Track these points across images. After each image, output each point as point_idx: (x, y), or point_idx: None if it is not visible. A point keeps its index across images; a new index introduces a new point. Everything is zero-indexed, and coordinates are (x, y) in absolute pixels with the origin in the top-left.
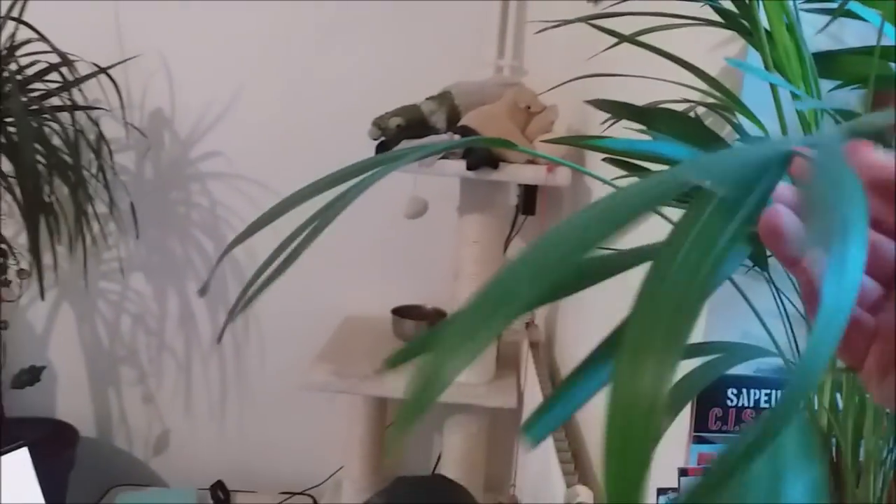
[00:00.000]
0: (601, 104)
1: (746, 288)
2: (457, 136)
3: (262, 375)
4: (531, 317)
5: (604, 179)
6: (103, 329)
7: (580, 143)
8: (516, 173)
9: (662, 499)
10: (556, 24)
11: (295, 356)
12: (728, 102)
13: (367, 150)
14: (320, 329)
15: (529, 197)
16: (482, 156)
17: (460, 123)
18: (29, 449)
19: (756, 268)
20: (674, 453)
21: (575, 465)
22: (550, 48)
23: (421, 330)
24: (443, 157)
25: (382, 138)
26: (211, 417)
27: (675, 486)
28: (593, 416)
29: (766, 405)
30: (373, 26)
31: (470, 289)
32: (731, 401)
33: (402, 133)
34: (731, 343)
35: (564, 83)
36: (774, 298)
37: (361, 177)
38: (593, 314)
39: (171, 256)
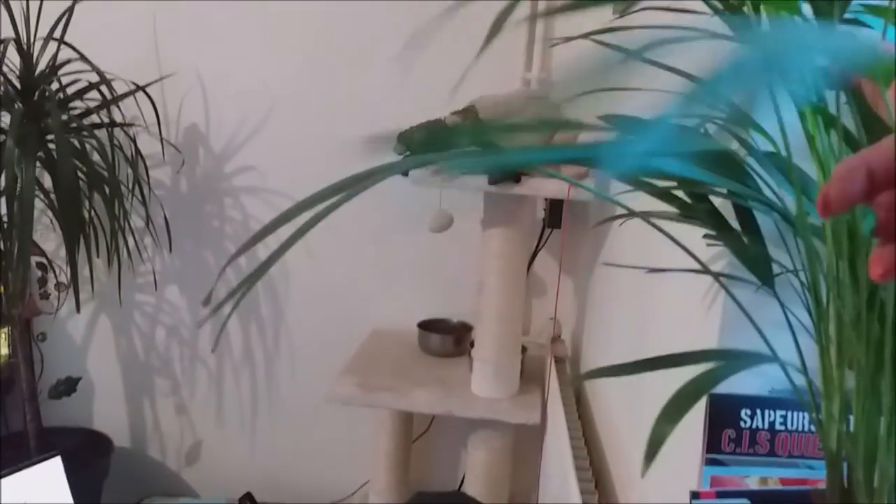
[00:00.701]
0: (608, 120)
1: (757, 305)
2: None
3: (292, 387)
4: (558, 332)
5: (608, 197)
6: (139, 340)
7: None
8: (538, 187)
9: None
10: (563, 39)
11: (324, 368)
12: (737, 117)
13: None
14: (349, 341)
15: (555, 210)
16: (504, 170)
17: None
18: (65, 458)
19: (764, 287)
20: (686, 476)
21: (595, 482)
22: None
23: (446, 344)
24: (465, 172)
25: (407, 153)
26: (242, 429)
27: None
28: (614, 433)
29: (782, 427)
30: (404, 43)
31: (494, 302)
32: (745, 422)
33: (424, 148)
34: (732, 350)
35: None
36: (784, 314)
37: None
38: (617, 330)
39: (205, 269)
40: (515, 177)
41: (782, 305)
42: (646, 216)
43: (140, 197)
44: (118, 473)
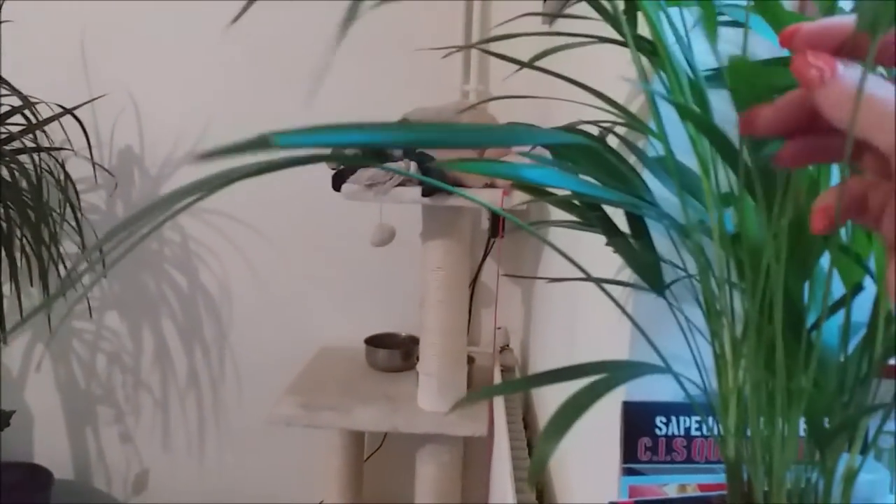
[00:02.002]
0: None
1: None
2: (413, 163)
3: (239, 410)
4: (505, 341)
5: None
6: (79, 369)
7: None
8: (472, 197)
9: None
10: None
11: (272, 389)
12: (635, 124)
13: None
14: (295, 361)
15: (496, 219)
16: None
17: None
18: (4, 493)
19: (655, 292)
20: (605, 487)
21: (541, 492)
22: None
23: (393, 359)
24: (399, 185)
25: (340, 167)
26: (189, 454)
27: None
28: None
29: (698, 432)
30: (342, 58)
31: (436, 315)
32: (661, 429)
33: (361, 159)
34: (615, 362)
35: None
36: (677, 320)
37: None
38: (552, 338)
39: (144, 293)
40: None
41: (674, 311)
42: (538, 225)
43: (72, 223)
44: None
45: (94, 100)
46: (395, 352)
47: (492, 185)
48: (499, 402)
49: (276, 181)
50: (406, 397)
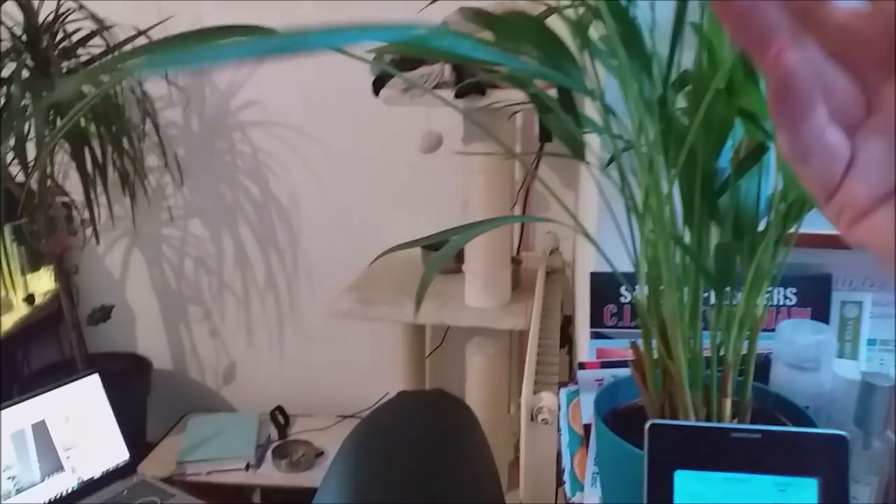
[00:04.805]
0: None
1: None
2: (448, 66)
3: (313, 309)
4: (556, 245)
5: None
6: (170, 271)
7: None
8: (505, 98)
9: (563, 391)
10: None
11: (340, 289)
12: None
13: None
14: (361, 264)
15: (544, 125)
16: (469, 83)
17: None
18: (109, 378)
19: (578, 159)
20: (577, 349)
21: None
22: None
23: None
24: (435, 88)
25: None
26: (271, 348)
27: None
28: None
29: None
30: None
31: (479, 217)
32: (625, 297)
33: (397, 66)
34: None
35: None
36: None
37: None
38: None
39: (222, 202)
40: (481, 89)
41: (594, 177)
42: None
43: (157, 136)
44: (162, 393)
45: (164, 21)
46: None
47: None
48: (537, 298)
49: (336, 91)
50: (455, 295)
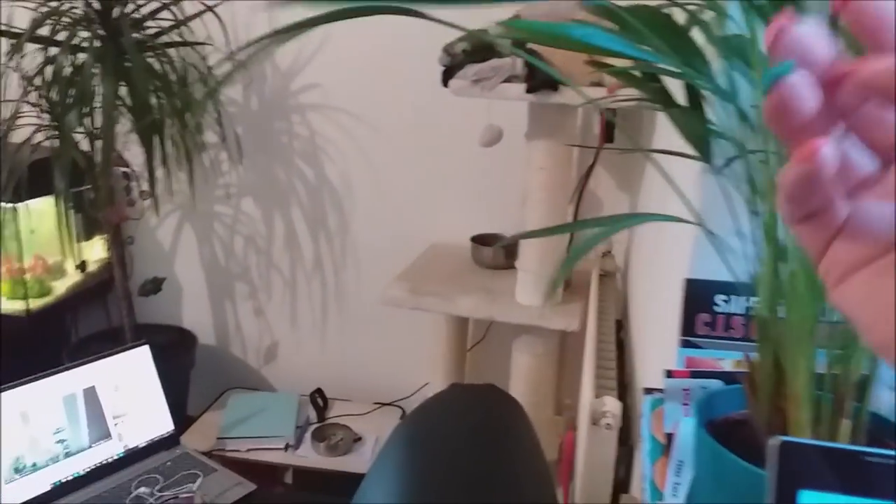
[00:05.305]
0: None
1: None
2: (519, 60)
3: (358, 295)
4: (609, 246)
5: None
6: (219, 248)
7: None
8: (577, 96)
9: (648, 398)
10: None
11: (386, 278)
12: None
13: None
14: (409, 254)
15: (606, 126)
16: (542, 78)
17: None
18: (156, 349)
19: (704, 161)
20: (663, 356)
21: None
22: None
23: (497, 256)
24: (506, 81)
25: (451, 63)
26: (314, 331)
27: (661, 387)
28: (639, 334)
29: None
30: None
31: (536, 214)
32: (720, 306)
33: (468, 58)
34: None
35: None
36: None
37: None
38: (647, 238)
39: (275, 183)
40: (553, 85)
41: (721, 184)
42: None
43: (215, 112)
44: (205, 367)
45: None
46: (498, 249)
47: (598, 84)
48: (592, 300)
49: (397, 80)
50: (505, 291)
